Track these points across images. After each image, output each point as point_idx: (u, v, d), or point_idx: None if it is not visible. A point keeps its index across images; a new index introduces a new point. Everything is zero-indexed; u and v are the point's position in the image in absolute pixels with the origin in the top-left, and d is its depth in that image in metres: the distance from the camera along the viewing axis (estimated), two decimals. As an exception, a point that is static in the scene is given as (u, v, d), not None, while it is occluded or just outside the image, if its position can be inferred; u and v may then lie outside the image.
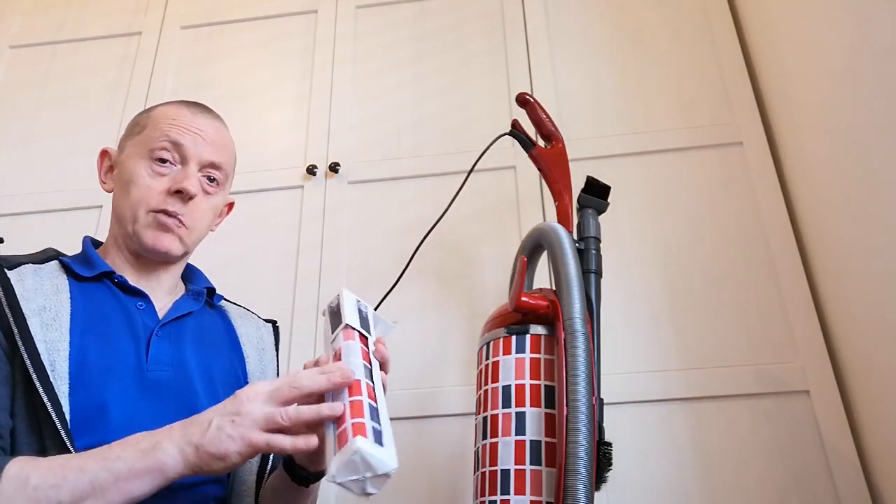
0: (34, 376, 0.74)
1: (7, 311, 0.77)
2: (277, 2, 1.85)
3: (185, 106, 0.95)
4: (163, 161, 0.90)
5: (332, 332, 0.82)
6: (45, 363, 0.75)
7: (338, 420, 0.69)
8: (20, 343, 0.75)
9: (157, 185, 0.89)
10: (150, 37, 1.85)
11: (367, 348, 0.80)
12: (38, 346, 0.76)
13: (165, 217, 0.88)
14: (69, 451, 0.72)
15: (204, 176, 0.93)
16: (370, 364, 0.78)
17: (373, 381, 0.76)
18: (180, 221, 0.90)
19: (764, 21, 1.50)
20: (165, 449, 0.68)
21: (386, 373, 0.83)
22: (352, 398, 0.71)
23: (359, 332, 0.80)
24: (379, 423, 0.70)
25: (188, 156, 0.91)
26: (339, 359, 0.76)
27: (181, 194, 0.89)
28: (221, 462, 0.68)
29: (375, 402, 0.73)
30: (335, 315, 0.83)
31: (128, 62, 1.82)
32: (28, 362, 0.74)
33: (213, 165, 0.93)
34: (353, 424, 0.67)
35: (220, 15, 1.86)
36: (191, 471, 0.68)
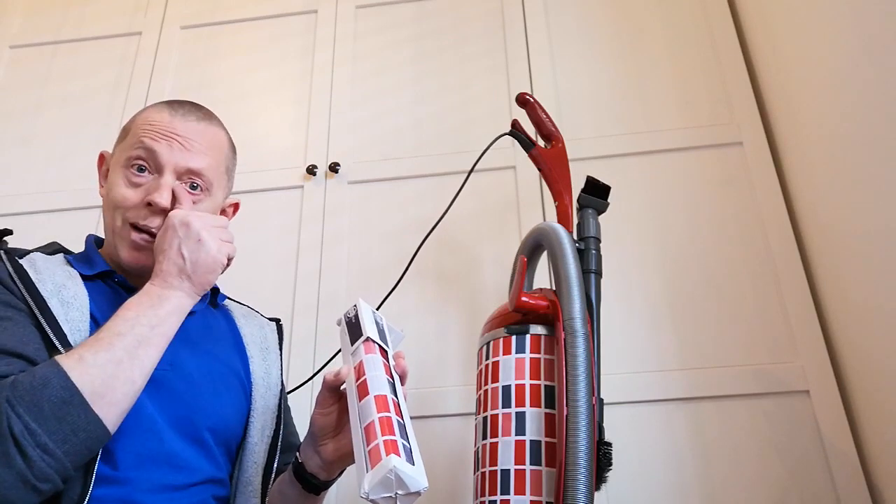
0: (60, 348, 0.73)
1: (25, 293, 0.77)
2: (277, 2, 1.85)
3: (166, 108, 0.90)
4: (140, 169, 0.86)
5: (352, 344, 0.82)
6: (67, 336, 0.75)
7: (367, 436, 0.70)
8: (42, 319, 0.75)
9: (132, 195, 0.86)
10: (150, 37, 1.85)
11: (388, 362, 0.81)
12: (60, 322, 0.76)
13: (137, 235, 0.86)
14: None
15: (185, 183, 0.88)
16: (392, 378, 0.78)
17: (397, 396, 0.76)
18: (153, 236, 0.86)
19: (764, 21, 1.50)
20: (172, 295, 0.79)
21: (403, 385, 0.83)
22: (380, 414, 0.71)
23: (379, 345, 0.81)
24: (408, 441, 0.71)
25: (162, 163, 0.86)
26: (363, 373, 0.77)
27: (152, 207, 0.85)
28: (215, 274, 0.83)
29: (402, 417, 0.74)
30: (354, 327, 0.84)
31: (128, 62, 1.82)
32: (52, 335, 0.74)
33: (192, 172, 0.87)
34: (384, 442, 0.68)
35: (220, 15, 1.86)
36: (197, 295, 0.81)
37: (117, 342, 0.71)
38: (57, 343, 0.74)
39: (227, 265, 0.85)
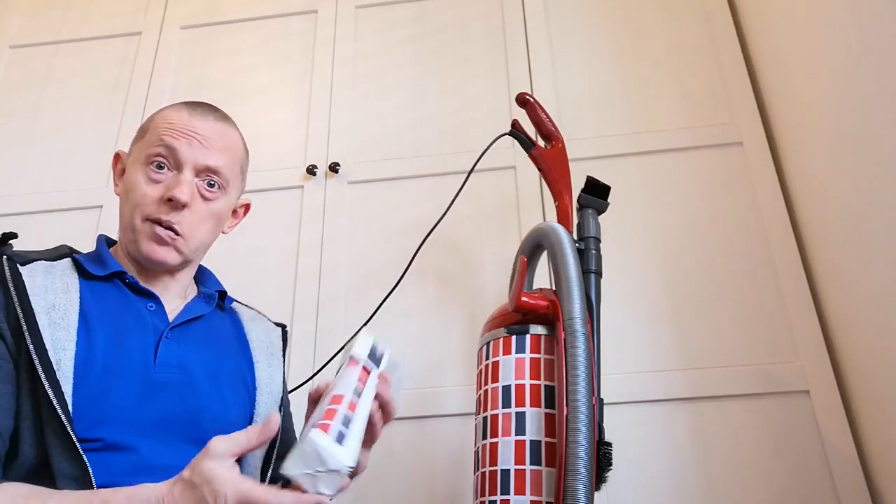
0: (41, 373, 0.73)
1: (17, 307, 0.77)
2: (277, 2, 1.85)
3: (185, 108, 0.93)
4: (160, 167, 0.88)
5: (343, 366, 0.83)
6: (52, 361, 0.75)
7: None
8: (28, 339, 0.75)
9: (151, 192, 0.87)
10: (150, 37, 1.85)
11: (368, 377, 0.81)
12: (45, 343, 0.75)
13: (160, 229, 0.87)
14: (75, 450, 0.72)
15: (203, 181, 0.90)
16: (363, 387, 0.78)
17: (358, 400, 0.76)
18: (175, 232, 0.88)
19: (764, 21, 1.50)
20: None
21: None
22: (330, 406, 0.72)
23: (362, 364, 0.81)
24: (347, 430, 0.70)
25: (182, 161, 0.88)
26: (335, 384, 0.77)
27: (172, 202, 0.87)
28: None
29: (353, 413, 0.73)
30: (347, 350, 0.85)
31: (128, 62, 1.82)
32: (35, 358, 0.74)
33: (210, 170, 0.90)
34: (318, 424, 0.68)
35: (220, 15, 1.86)
36: None
37: None
38: (36, 361, 0.74)
39: None
